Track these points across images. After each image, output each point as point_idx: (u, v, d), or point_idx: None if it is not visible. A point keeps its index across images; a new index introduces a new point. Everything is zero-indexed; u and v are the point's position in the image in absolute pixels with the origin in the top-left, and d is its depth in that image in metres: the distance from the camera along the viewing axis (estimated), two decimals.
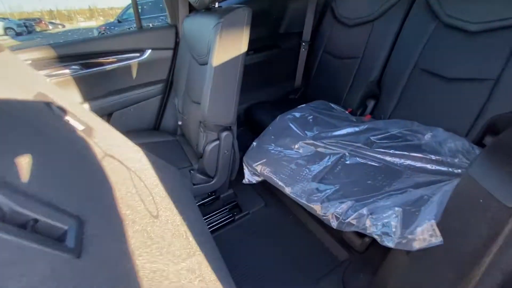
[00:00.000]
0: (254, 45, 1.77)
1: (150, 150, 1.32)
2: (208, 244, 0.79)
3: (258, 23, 1.82)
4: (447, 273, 0.56)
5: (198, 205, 1.38)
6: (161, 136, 1.62)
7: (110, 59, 1.57)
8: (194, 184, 1.31)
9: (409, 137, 1.04)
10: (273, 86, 1.93)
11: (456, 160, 0.88)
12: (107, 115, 1.65)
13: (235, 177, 1.41)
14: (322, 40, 1.73)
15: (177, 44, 1.65)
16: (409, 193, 0.75)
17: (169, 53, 1.68)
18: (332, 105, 1.48)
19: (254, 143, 1.30)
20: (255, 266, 1.15)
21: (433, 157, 0.90)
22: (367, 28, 1.46)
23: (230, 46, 1.08)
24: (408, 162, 0.92)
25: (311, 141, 1.12)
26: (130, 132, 1.67)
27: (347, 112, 1.45)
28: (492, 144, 0.58)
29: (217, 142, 1.25)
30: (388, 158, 0.96)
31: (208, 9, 1.25)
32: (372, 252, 1.09)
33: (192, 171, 1.31)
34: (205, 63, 1.16)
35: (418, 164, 0.91)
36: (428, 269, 0.61)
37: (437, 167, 0.87)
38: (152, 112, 1.76)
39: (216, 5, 1.21)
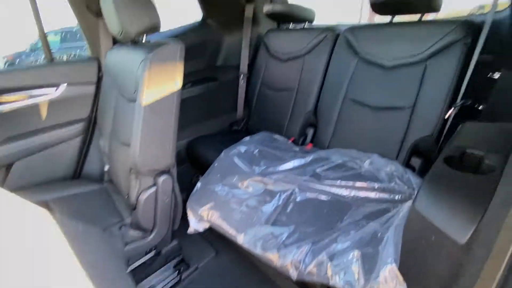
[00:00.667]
0: (191, 78, 1.70)
1: (68, 205, 1.06)
2: None
3: (195, 56, 1.78)
4: None
5: (136, 267, 1.15)
6: (83, 186, 1.35)
7: (13, 96, 1.28)
8: (126, 243, 1.09)
9: (350, 165, 1.08)
10: (215, 118, 1.86)
11: (394, 185, 0.93)
12: (4, 168, 1.30)
13: (178, 225, 1.24)
14: (259, 73, 1.78)
15: (99, 78, 1.45)
16: (362, 230, 0.74)
17: (91, 88, 1.47)
18: (275, 136, 1.48)
19: (199, 184, 1.18)
20: None
21: (375, 185, 0.94)
22: (299, 62, 1.54)
23: (161, 82, 0.98)
24: (354, 192, 0.94)
25: (260, 178, 1.06)
26: (39, 185, 1.34)
27: (290, 141, 1.46)
28: (430, 174, 0.61)
29: (154, 188, 1.08)
30: (335, 190, 0.96)
31: (134, 42, 1.14)
32: None
33: (123, 227, 1.09)
34: (134, 100, 1.02)
35: (363, 194, 0.93)
36: None
37: (380, 195, 0.91)
38: (71, 157, 1.47)
39: (144, 39, 1.11)
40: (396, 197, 0.88)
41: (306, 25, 1.71)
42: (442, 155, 0.68)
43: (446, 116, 1.01)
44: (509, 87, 1.13)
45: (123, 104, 1.15)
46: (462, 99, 1.00)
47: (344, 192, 0.96)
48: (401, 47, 1.16)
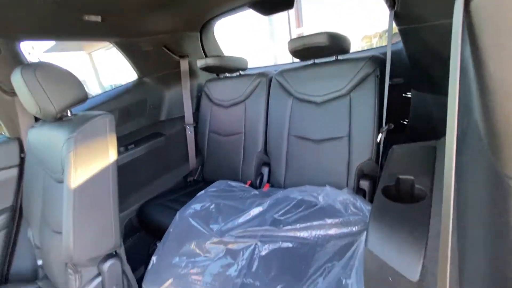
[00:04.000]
0: (134, 138, 1.62)
1: None
2: None
3: (135, 115, 1.71)
4: None
5: None
6: None
7: None
8: None
9: (307, 200, 1.09)
10: (168, 173, 1.76)
11: (349, 216, 0.95)
12: None
13: None
14: (205, 121, 1.78)
15: (22, 160, 1.28)
16: (328, 277, 0.71)
17: (13, 172, 1.28)
18: (231, 183, 1.45)
19: (154, 259, 1.05)
20: None
21: (332, 221, 0.94)
22: (241, 107, 1.59)
23: (91, 159, 0.90)
24: (314, 232, 0.94)
25: (219, 239, 1.00)
26: None
27: (247, 186, 1.44)
28: (373, 210, 0.63)
29: (99, 279, 0.93)
30: (297, 234, 0.94)
31: (59, 119, 1.05)
32: None
33: None
34: (62, 181, 0.91)
35: (323, 232, 0.93)
36: None
37: (339, 231, 0.91)
38: None
39: (69, 113, 1.03)
40: (354, 229, 0.89)
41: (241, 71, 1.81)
42: (380, 185, 0.72)
43: (378, 140, 1.10)
44: (419, 104, 1.31)
45: (52, 185, 1.02)
46: (386, 122, 1.11)
47: (305, 234, 0.94)
48: (326, 84, 1.27)
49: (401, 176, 0.73)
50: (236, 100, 1.62)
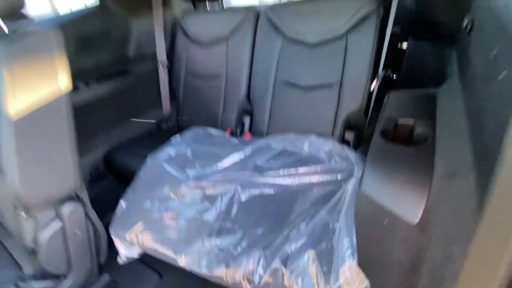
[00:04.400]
0: (95, 74, 1.39)
1: None
2: None
3: (95, 47, 1.45)
4: None
5: None
6: None
7: None
8: None
9: (291, 150, 1.03)
10: (138, 118, 1.58)
11: (334, 164, 0.91)
12: None
13: (106, 257, 1.01)
14: (181, 61, 1.57)
15: None
16: (313, 221, 0.68)
17: None
18: (209, 130, 1.34)
19: (123, 203, 0.96)
20: None
21: (317, 168, 0.90)
22: (223, 47, 1.40)
23: (35, 84, 0.72)
24: (298, 179, 0.89)
25: (196, 183, 0.92)
26: None
27: (226, 134, 1.34)
28: (371, 152, 0.57)
29: (58, 223, 0.83)
30: (279, 181, 0.90)
31: None
32: None
33: (21, 284, 0.82)
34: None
35: (307, 180, 0.88)
36: None
37: (323, 177, 0.87)
38: None
39: (5, 28, 0.80)
40: (339, 176, 0.86)
41: (225, 5, 1.57)
42: (378, 128, 0.65)
43: (372, 88, 1.03)
44: (415, 54, 1.23)
45: None
46: (382, 70, 1.03)
47: (288, 181, 0.90)
48: (322, 22, 1.13)
49: (400, 121, 0.67)
50: (217, 38, 1.42)
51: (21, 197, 0.74)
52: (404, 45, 1.35)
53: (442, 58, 1.01)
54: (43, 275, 0.85)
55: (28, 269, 0.86)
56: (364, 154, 0.95)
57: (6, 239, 0.97)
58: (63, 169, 0.81)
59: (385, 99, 0.84)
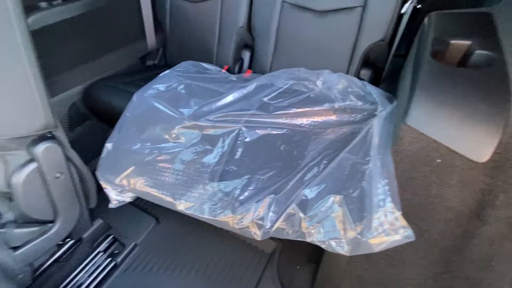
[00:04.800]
0: None
1: None
2: None
3: None
4: (414, 267, 0.45)
5: (47, 270, 0.85)
6: None
7: None
8: (16, 248, 0.76)
9: (302, 88, 0.89)
10: (119, 50, 1.35)
11: (353, 102, 0.80)
12: None
13: (96, 201, 0.93)
14: None
15: None
16: (335, 164, 0.59)
17: None
18: (204, 64, 1.16)
19: (109, 146, 0.84)
20: None
21: (335, 105, 0.78)
22: None
23: None
24: (311, 119, 0.78)
25: (192, 123, 0.79)
26: None
27: (223, 70, 1.17)
28: (422, 77, 0.45)
29: (33, 165, 0.72)
30: (289, 121, 0.78)
31: None
32: None
33: (1, 231, 0.74)
34: None
35: (322, 119, 0.77)
36: (391, 260, 0.49)
37: (341, 117, 0.76)
38: None
39: None
40: (359, 116, 0.75)
41: None
42: (425, 51, 0.52)
43: (404, 10, 0.85)
44: None
45: None
46: None
47: (299, 120, 0.78)
48: None
49: (453, 41, 0.53)
50: None
51: None
52: None
53: None
54: (25, 221, 0.77)
55: (8, 216, 0.78)
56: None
57: None
58: (29, 102, 0.66)
59: (425, 21, 0.68)
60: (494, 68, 0.44)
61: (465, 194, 0.38)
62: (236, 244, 0.99)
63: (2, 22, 0.58)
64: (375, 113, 0.74)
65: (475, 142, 0.36)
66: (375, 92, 0.77)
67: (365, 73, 1.02)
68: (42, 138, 0.72)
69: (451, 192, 0.39)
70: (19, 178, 0.71)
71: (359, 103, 0.81)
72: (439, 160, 0.39)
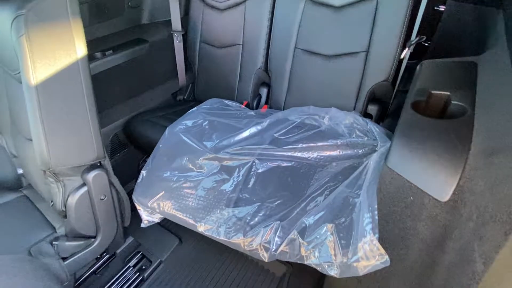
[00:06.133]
0: (112, 43, 1.37)
1: None
2: None
3: (109, 15, 1.41)
4: (398, 286, 0.51)
5: (87, 279, 0.98)
6: None
7: None
8: (65, 259, 0.90)
9: (309, 124, 1.00)
10: (154, 89, 1.58)
11: (355, 139, 0.88)
12: None
13: (129, 221, 1.07)
14: (196, 29, 1.51)
15: None
16: (332, 196, 0.67)
17: None
18: (226, 101, 1.31)
19: (144, 173, 0.99)
20: None
21: (337, 142, 0.87)
22: (240, 11, 1.32)
23: (52, 50, 0.71)
24: (317, 153, 0.87)
25: (213, 155, 0.92)
26: None
27: (243, 106, 1.32)
28: (400, 124, 0.53)
29: (84, 189, 0.88)
30: (298, 154, 0.88)
31: None
32: None
33: (55, 243, 0.89)
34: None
35: (327, 153, 0.86)
36: (379, 284, 0.55)
37: (343, 152, 0.85)
38: None
39: None
40: (360, 151, 0.83)
41: None
42: (409, 100, 0.61)
43: (402, 56, 0.95)
44: (454, 18, 1.10)
45: (15, 87, 0.86)
46: (416, 36, 0.94)
47: (306, 154, 0.88)
48: None
49: (434, 91, 0.62)
50: (234, 0, 1.33)
51: (48, 162, 0.78)
52: (442, 7, 1.21)
53: (485, 22, 0.90)
54: (74, 236, 0.92)
55: (61, 230, 0.94)
56: (388, 129, 0.90)
57: (40, 203, 1.05)
58: (87, 137, 0.83)
59: (417, 69, 0.77)
60: (463, 119, 0.51)
61: (432, 228, 0.44)
62: (250, 266, 1.06)
63: (71, 70, 0.76)
64: (376, 148, 0.81)
65: (439, 184, 0.43)
66: (376, 130, 0.86)
67: (372, 108, 1.10)
68: (93, 166, 0.89)
69: (422, 226, 0.46)
70: (73, 199, 0.87)
71: (363, 138, 0.89)
72: (411, 198, 0.46)
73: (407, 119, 0.55)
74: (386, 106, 1.11)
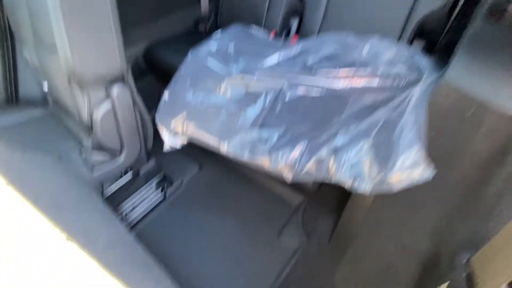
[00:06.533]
0: None
1: (8, 136, 0.86)
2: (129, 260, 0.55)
3: None
4: (431, 210, 0.49)
5: (113, 191, 1.05)
6: (23, 112, 1.09)
7: None
8: (93, 167, 0.94)
9: (347, 53, 0.90)
10: (174, 15, 1.47)
11: (398, 70, 0.79)
12: None
13: (151, 144, 1.09)
14: None
15: None
16: (370, 119, 0.62)
17: None
18: (252, 29, 1.21)
19: (166, 94, 0.97)
20: (205, 247, 0.97)
21: (377, 71, 0.78)
22: None
23: None
24: (352, 83, 0.79)
25: (240, 78, 0.87)
26: None
27: (271, 36, 1.21)
28: (469, 35, 0.45)
29: (109, 102, 0.87)
30: (331, 83, 0.81)
31: None
32: (325, 191, 1.04)
33: (84, 151, 0.93)
34: None
35: (363, 84, 0.79)
36: (405, 208, 0.53)
37: (383, 82, 0.77)
38: None
39: None
40: (402, 83, 0.75)
41: None
42: (481, 9, 0.51)
43: None
44: None
45: None
46: None
47: (341, 84, 0.81)
48: None
49: None
50: None
51: (74, 69, 0.76)
52: None
53: None
54: (100, 148, 0.95)
55: (87, 143, 0.97)
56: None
57: (66, 119, 1.07)
58: (110, 48, 0.80)
59: None
60: None
61: (490, 143, 0.40)
62: (267, 195, 1.09)
63: None
64: (420, 81, 0.73)
65: (507, 98, 0.37)
66: (424, 61, 0.76)
67: (418, 43, 0.98)
68: (117, 79, 0.87)
69: (479, 141, 0.41)
70: (99, 112, 0.88)
71: (405, 70, 0.80)
72: (470, 112, 0.40)
73: (478, 27, 0.46)
74: (434, 43, 0.98)
